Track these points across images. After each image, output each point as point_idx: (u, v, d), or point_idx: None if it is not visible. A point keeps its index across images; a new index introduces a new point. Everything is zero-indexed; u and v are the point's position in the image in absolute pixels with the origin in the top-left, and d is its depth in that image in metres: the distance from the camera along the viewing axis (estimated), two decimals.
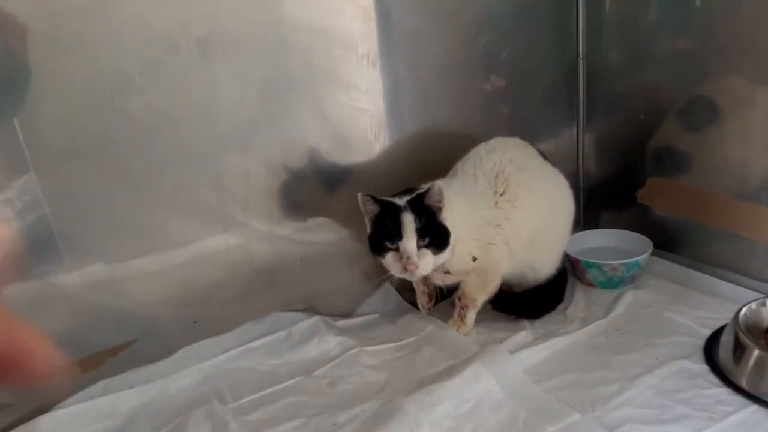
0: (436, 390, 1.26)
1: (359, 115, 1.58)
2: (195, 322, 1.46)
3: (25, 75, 1.17)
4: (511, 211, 1.48)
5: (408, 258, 1.33)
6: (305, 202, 1.60)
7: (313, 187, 1.60)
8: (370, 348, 1.49)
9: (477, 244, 1.46)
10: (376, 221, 1.38)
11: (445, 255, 1.38)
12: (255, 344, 1.49)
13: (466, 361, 1.36)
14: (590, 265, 1.68)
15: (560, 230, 1.61)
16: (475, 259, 1.47)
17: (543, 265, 1.60)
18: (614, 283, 1.68)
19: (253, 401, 1.33)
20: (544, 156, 1.60)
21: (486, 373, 1.30)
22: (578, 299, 1.67)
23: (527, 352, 1.41)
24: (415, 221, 1.33)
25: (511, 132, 1.61)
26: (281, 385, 1.37)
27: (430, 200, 1.35)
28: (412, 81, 1.64)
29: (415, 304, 1.65)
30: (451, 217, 1.40)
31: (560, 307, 1.64)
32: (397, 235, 1.33)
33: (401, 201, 1.37)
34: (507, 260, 1.50)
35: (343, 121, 1.57)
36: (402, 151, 1.67)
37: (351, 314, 1.66)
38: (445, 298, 1.60)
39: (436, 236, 1.35)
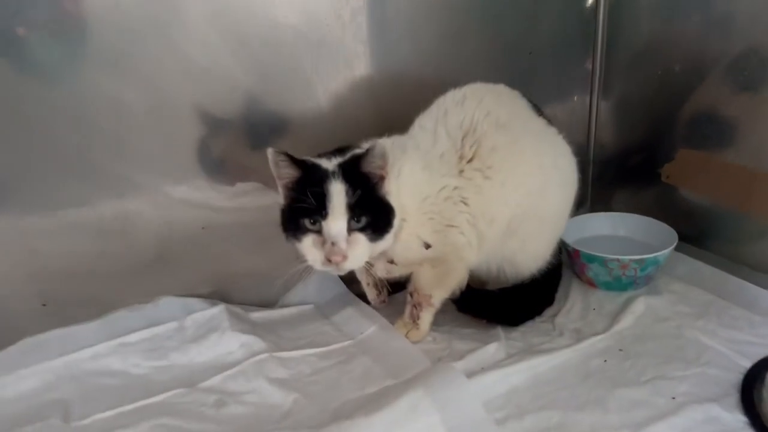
0: (354, 427, 0.87)
1: (298, 43, 1.18)
2: (45, 305, 1.09)
3: None
4: (482, 183, 1.10)
5: (333, 245, 0.95)
6: (226, 160, 1.23)
7: (238, 142, 1.23)
8: (284, 354, 1.11)
9: (432, 226, 1.08)
10: (293, 190, 1.00)
11: (386, 241, 1.01)
12: (132, 338, 1.11)
13: (408, 384, 0.98)
14: (592, 258, 1.28)
15: (554, 213, 1.21)
16: (428, 246, 1.09)
17: (527, 258, 1.21)
18: (622, 284, 1.28)
19: (106, 421, 0.96)
20: (540, 111, 1.19)
21: (428, 405, 0.91)
22: (573, 303, 1.27)
23: (494, 376, 1.03)
24: (347, 194, 0.96)
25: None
26: (151, 400, 1.01)
27: (369, 166, 0.98)
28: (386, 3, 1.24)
29: (364, 296, 1.27)
30: (397, 188, 1.03)
31: (548, 311, 1.25)
32: (320, 211, 0.96)
33: (330, 164, 1.00)
34: (474, 249, 1.12)
35: (275, 50, 1.16)
36: (359, 98, 1.29)
37: (274, 304, 1.28)
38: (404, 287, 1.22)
39: (374, 215, 0.98)
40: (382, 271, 1.12)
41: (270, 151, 0.97)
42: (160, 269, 1.19)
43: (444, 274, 1.14)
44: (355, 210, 0.97)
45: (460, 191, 1.09)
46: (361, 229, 0.98)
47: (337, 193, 0.96)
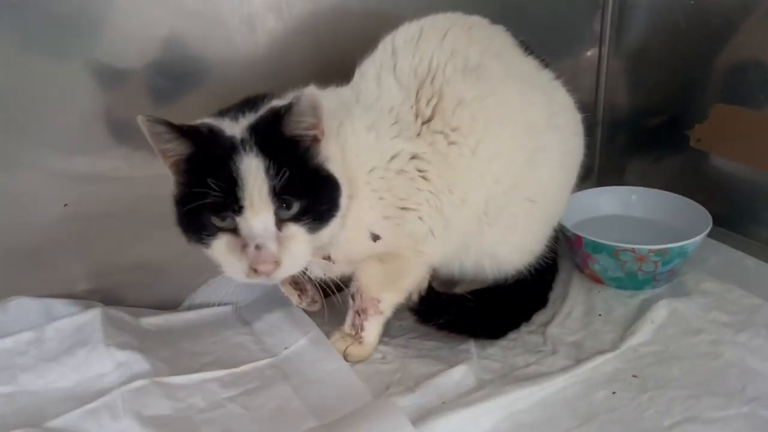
0: None
1: None
2: None
3: None
4: (447, 150, 0.80)
5: (258, 248, 0.67)
6: (123, 121, 0.90)
7: (136, 96, 0.91)
8: (174, 379, 0.81)
9: (381, 208, 0.78)
10: (187, 173, 0.70)
11: (332, 228, 0.73)
12: None
13: (330, 430, 0.68)
14: (599, 247, 0.97)
15: (549, 190, 0.91)
16: (376, 237, 0.79)
17: (511, 252, 0.92)
18: (638, 281, 0.98)
19: None
20: (529, 51, 0.88)
21: None
22: (572, 306, 0.97)
23: (457, 417, 0.73)
24: (268, 171, 0.67)
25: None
26: None
27: (295, 125, 0.69)
28: None
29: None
30: (340, 153, 0.75)
31: (538, 317, 0.95)
32: (230, 202, 0.67)
33: (237, 127, 0.70)
34: (438, 240, 0.82)
35: None
36: (298, 40, 0.97)
37: (178, 305, 0.98)
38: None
39: (312, 195, 0.70)
40: (317, 270, 0.82)
41: (141, 120, 0.66)
42: (22, 262, 0.88)
43: (396, 273, 0.84)
44: (283, 193, 0.67)
45: (417, 162, 0.79)
46: (296, 218, 0.69)
47: (254, 172, 0.67)
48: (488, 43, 0.84)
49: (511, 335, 0.91)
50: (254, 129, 0.69)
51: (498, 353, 0.87)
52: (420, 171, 0.79)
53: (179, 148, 0.69)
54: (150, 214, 0.84)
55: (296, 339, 0.88)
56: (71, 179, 0.88)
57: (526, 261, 0.93)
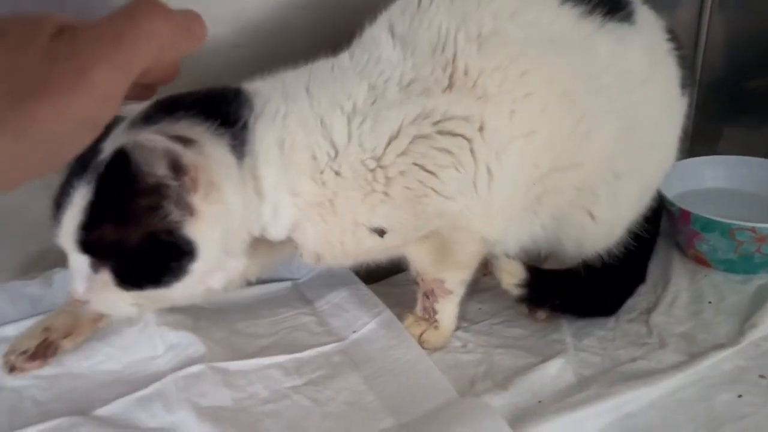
0: None
1: None
2: None
3: None
4: (480, 107, 0.66)
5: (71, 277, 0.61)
6: None
7: None
8: (232, 364, 0.72)
9: (380, 188, 0.66)
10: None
11: (179, 289, 0.61)
12: (7, 330, 0.75)
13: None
14: (710, 225, 0.85)
15: (643, 158, 0.77)
16: (382, 232, 0.68)
17: (594, 233, 0.78)
18: (753, 265, 0.86)
19: None
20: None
21: None
22: (677, 292, 0.85)
23: (558, 420, 0.63)
24: (84, 215, 0.57)
25: None
26: None
27: (143, 164, 0.55)
28: None
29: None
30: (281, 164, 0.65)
31: (639, 304, 0.83)
32: (55, 221, 0.59)
33: (116, 139, 0.59)
34: (481, 219, 0.71)
35: None
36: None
37: None
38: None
39: (131, 262, 0.59)
40: (310, 258, 0.72)
41: None
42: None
43: (444, 250, 0.73)
44: (86, 249, 0.58)
45: (442, 123, 0.66)
46: (111, 270, 0.59)
47: (73, 209, 0.57)
48: (502, 3, 0.69)
49: (610, 324, 0.79)
50: (114, 157, 0.56)
51: (596, 345, 0.76)
52: (445, 131, 0.66)
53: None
54: None
55: (365, 322, 0.78)
56: None
57: (614, 241, 0.80)
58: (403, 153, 0.65)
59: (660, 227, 0.89)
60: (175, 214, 0.57)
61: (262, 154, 0.63)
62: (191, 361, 0.72)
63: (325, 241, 0.69)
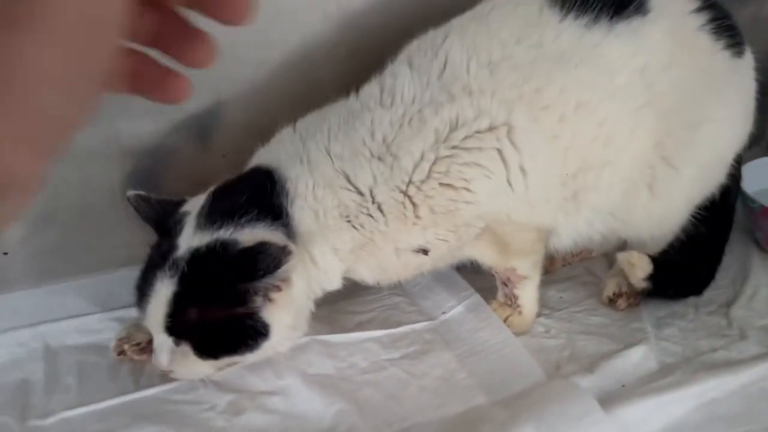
0: None
1: None
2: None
3: None
4: (506, 113, 0.71)
5: (154, 352, 0.69)
6: None
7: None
8: (334, 337, 0.79)
9: (411, 215, 0.72)
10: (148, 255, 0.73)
11: (254, 356, 0.70)
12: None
13: (510, 411, 0.64)
14: None
15: (692, 139, 0.78)
16: (425, 251, 0.74)
17: (657, 218, 0.81)
18: None
19: (73, 422, 0.68)
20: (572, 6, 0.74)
21: None
22: (756, 286, 0.88)
23: (643, 404, 0.66)
24: (172, 304, 0.66)
25: None
26: (141, 394, 0.72)
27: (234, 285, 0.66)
28: None
29: None
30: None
31: (718, 298, 0.85)
32: (140, 307, 0.70)
33: (189, 239, 0.69)
34: (524, 213, 0.75)
35: None
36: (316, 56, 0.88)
37: None
38: None
39: (214, 341, 0.68)
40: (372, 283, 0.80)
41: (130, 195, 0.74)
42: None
43: (499, 243, 0.77)
44: (174, 333, 0.67)
45: (465, 140, 0.70)
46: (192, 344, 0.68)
47: (159, 298, 0.67)
48: (509, 31, 0.73)
49: (690, 315, 0.82)
50: (191, 258, 0.66)
51: (677, 335, 0.79)
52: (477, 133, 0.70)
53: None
54: None
55: (453, 304, 0.84)
56: None
57: (682, 221, 0.83)
58: (427, 178, 0.70)
59: (735, 211, 0.90)
60: (257, 303, 0.66)
61: (305, 232, 0.71)
62: None
63: (379, 272, 0.76)
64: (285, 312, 0.68)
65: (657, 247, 0.84)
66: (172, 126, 0.84)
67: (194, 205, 0.72)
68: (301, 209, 0.71)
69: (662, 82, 0.74)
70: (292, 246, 0.66)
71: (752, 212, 0.92)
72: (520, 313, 0.82)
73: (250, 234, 0.67)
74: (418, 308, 0.85)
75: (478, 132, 0.70)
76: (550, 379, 0.70)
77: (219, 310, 0.66)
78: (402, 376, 0.74)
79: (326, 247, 0.72)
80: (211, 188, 0.73)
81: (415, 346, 0.78)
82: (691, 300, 0.85)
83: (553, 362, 0.76)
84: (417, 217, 0.71)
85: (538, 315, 0.84)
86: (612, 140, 0.74)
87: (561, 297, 0.88)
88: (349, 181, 0.71)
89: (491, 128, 0.70)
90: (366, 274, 0.76)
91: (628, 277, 0.80)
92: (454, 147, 0.70)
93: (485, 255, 0.80)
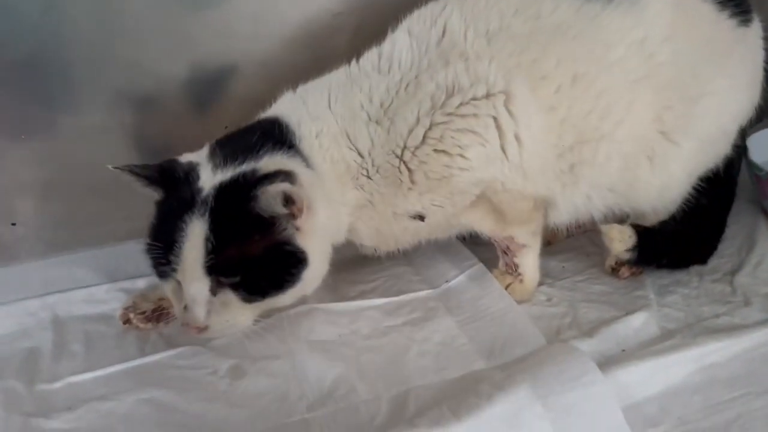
0: None
1: None
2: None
3: None
4: (505, 81, 0.71)
5: (188, 308, 0.67)
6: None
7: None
8: (335, 305, 0.80)
9: (407, 180, 0.73)
10: (154, 219, 0.70)
11: (289, 295, 0.70)
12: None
13: (508, 374, 0.64)
14: None
15: (692, 111, 0.77)
16: (421, 217, 0.75)
17: (657, 190, 0.81)
18: None
19: (78, 387, 0.70)
20: None
21: (538, 414, 0.58)
22: (762, 254, 0.87)
23: (642, 367, 0.66)
24: (208, 243, 0.65)
25: None
26: (148, 359, 0.74)
27: (265, 206, 0.65)
28: None
29: None
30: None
31: (723, 266, 0.85)
32: (167, 263, 0.66)
33: (211, 178, 0.68)
34: (518, 181, 0.75)
35: None
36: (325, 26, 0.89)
37: None
38: None
39: (257, 274, 0.67)
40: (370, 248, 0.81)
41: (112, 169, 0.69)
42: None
43: (495, 211, 0.78)
44: (215, 272, 0.65)
45: (461, 107, 0.70)
46: (234, 287, 0.66)
47: (194, 240, 0.65)
48: (507, 2, 0.73)
49: (693, 283, 0.82)
50: (219, 193, 0.66)
51: (680, 302, 0.79)
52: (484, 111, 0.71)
53: (152, 193, 0.70)
54: None
55: (456, 273, 0.84)
56: None
57: (684, 192, 0.82)
58: (421, 144, 0.70)
59: (737, 182, 0.89)
60: (288, 230, 0.67)
61: (318, 168, 0.72)
62: (300, 302, 0.79)
63: (377, 236, 0.77)
64: (314, 240, 0.69)
65: (658, 218, 0.84)
66: (175, 97, 0.86)
67: (196, 157, 0.72)
68: (311, 148, 0.72)
69: (662, 54, 0.74)
70: (309, 173, 0.68)
71: (760, 181, 0.91)
72: (521, 281, 0.82)
73: (269, 162, 0.68)
74: (421, 277, 0.86)
75: (474, 99, 0.70)
76: (549, 344, 0.70)
77: (254, 241, 0.66)
78: (403, 341, 0.74)
79: (336, 194, 0.73)
80: (209, 142, 0.73)
81: (416, 313, 0.79)
82: (696, 268, 0.85)
83: (554, 328, 0.76)
84: (412, 182, 0.72)
85: (540, 284, 0.84)
86: (609, 113, 0.74)
87: (564, 267, 0.88)
88: (350, 140, 0.72)
89: (488, 95, 0.70)
90: (365, 237, 0.77)
91: (610, 249, 0.80)
92: (449, 114, 0.70)
93: (483, 224, 0.80)
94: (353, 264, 0.87)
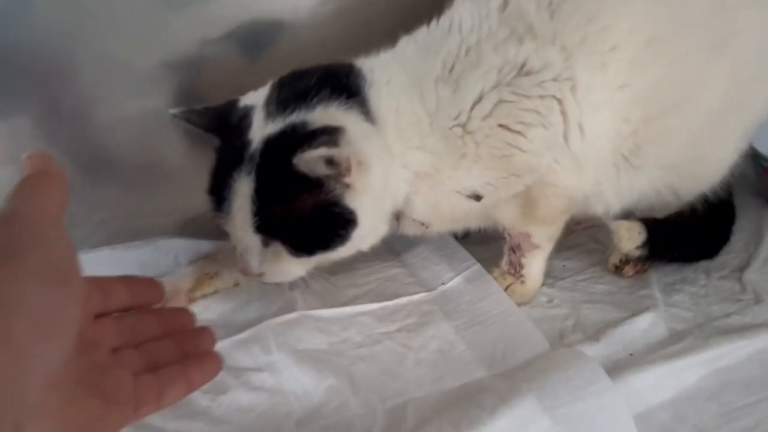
0: None
1: None
2: None
3: None
4: (570, 65, 0.66)
5: (242, 257, 0.67)
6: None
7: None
8: (325, 312, 0.75)
9: (472, 152, 0.68)
10: (213, 162, 0.68)
11: (339, 253, 0.68)
12: None
13: (511, 382, 0.60)
14: None
15: (748, 93, 0.73)
16: (478, 197, 0.71)
17: (705, 173, 0.78)
18: None
19: None
20: None
21: (546, 426, 0.53)
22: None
23: (652, 372, 0.62)
24: (255, 201, 0.63)
25: None
26: None
27: (303, 167, 0.60)
28: None
29: None
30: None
31: (731, 262, 0.81)
32: (221, 207, 0.65)
33: (261, 129, 0.64)
34: (570, 174, 0.71)
35: None
36: None
37: None
38: None
39: (303, 234, 0.65)
40: (412, 229, 0.77)
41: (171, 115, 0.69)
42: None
43: (530, 204, 0.73)
44: (261, 231, 0.64)
45: (528, 88, 0.66)
46: (284, 242, 0.64)
47: (242, 197, 0.63)
48: None
49: (701, 280, 0.78)
50: (266, 148, 0.62)
51: (687, 301, 0.75)
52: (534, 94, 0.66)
53: (212, 139, 0.67)
54: None
55: (453, 275, 0.80)
56: None
57: (720, 179, 0.78)
58: (487, 116, 0.66)
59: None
60: (337, 189, 0.62)
61: (383, 121, 0.67)
62: (284, 309, 0.75)
63: (432, 210, 0.72)
64: (367, 198, 0.65)
65: (670, 210, 0.80)
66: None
67: (256, 97, 0.68)
68: (379, 96, 0.67)
69: (739, 20, 0.68)
70: (366, 128, 0.64)
71: (765, 172, 0.87)
72: (522, 282, 0.78)
73: (321, 114, 0.64)
74: (416, 279, 0.82)
75: (542, 81, 0.66)
76: (554, 348, 0.66)
77: (301, 201, 0.62)
78: (398, 349, 0.70)
79: (398, 151, 0.68)
80: (273, 80, 0.69)
81: (412, 319, 0.74)
82: (703, 265, 0.81)
83: (557, 331, 0.72)
84: (476, 156, 0.68)
85: (542, 284, 0.80)
86: (681, 82, 0.69)
87: (564, 265, 0.84)
88: (420, 96, 0.68)
89: (556, 80, 0.66)
90: (419, 209, 0.73)
91: (619, 248, 0.75)
92: (517, 93, 0.66)
93: (506, 213, 0.76)
94: (345, 268, 0.82)
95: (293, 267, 0.67)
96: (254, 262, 0.66)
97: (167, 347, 0.47)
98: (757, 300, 0.73)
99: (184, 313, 0.52)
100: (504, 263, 0.80)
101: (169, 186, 0.87)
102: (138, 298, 0.47)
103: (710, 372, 0.63)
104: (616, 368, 0.63)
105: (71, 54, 0.76)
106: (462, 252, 0.82)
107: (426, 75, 0.68)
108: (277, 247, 0.65)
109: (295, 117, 0.63)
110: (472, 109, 0.66)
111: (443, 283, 0.79)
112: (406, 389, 0.64)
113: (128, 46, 0.78)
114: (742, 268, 0.79)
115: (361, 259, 0.85)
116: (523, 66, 0.66)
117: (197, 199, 0.68)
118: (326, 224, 0.64)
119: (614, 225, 0.75)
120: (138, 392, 0.40)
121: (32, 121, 0.78)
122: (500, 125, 0.67)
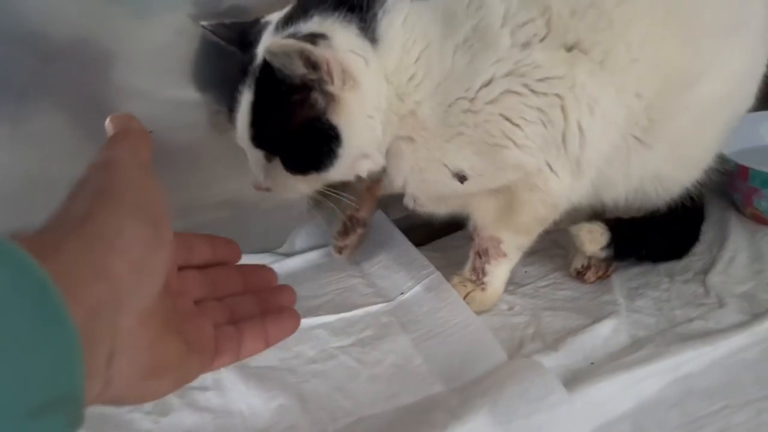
0: None
1: None
2: None
3: None
4: (571, 62, 0.63)
5: (251, 169, 0.68)
6: None
7: None
8: None
9: (463, 144, 0.66)
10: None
11: (331, 174, 0.66)
12: None
13: (466, 397, 0.58)
14: None
15: (739, 84, 0.73)
16: (462, 178, 0.68)
17: (697, 163, 0.77)
18: None
19: None
20: None
21: None
22: (734, 251, 0.82)
23: (612, 382, 0.60)
24: (251, 113, 0.64)
25: None
26: None
27: (285, 69, 0.60)
28: None
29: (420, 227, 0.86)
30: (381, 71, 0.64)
31: (694, 265, 0.80)
32: (232, 119, 0.66)
33: (267, 41, 0.64)
34: (565, 179, 0.68)
35: None
36: None
37: (278, 246, 0.88)
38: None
39: (292, 149, 0.65)
40: (409, 199, 0.74)
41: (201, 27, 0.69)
42: None
43: (509, 208, 0.71)
44: (257, 145, 0.65)
45: (537, 84, 0.63)
46: (280, 159, 0.65)
47: (243, 109, 0.64)
48: None
49: (664, 284, 0.77)
50: (264, 61, 0.61)
51: (650, 306, 0.73)
52: (523, 101, 0.64)
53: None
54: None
55: (413, 282, 0.77)
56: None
57: (697, 175, 0.76)
58: (492, 102, 0.64)
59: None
60: (321, 103, 0.61)
61: (386, 48, 0.64)
62: None
63: (414, 175, 0.70)
64: (353, 117, 0.63)
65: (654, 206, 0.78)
66: None
67: (276, 16, 0.66)
68: (390, 23, 0.64)
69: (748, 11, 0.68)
70: (362, 44, 0.62)
71: (728, 172, 0.86)
72: (483, 289, 0.76)
73: (315, 25, 0.62)
74: (375, 289, 0.79)
75: (551, 77, 0.63)
76: (512, 359, 0.64)
77: (289, 114, 0.62)
78: (352, 364, 0.67)
79: (393, 91, 0.65)
80: None
81: (368, 331, 0.72)
82: (667, 268, 0.79)
83: (517, 340, 0.69)
84: (470, 136, 0.65)
85: (503, 292, 0.77)
86: (697, 57, 0.66)
87: (526, 271, 0.81)
88: (440, 57, 0.64)
89: (561, 77, 0.63)
90: (401, 172, 0.70)
91: (583, 251, 0.74)
92: (526, 86, 0.63)
93: (486, 213, 0.73)
94: (301, 279, 0.80)
95: (297, 184, 0.67)
96: (259, 176, 0.66)
97: (248, 302, 0.47)
98: (720, 304, 0.72)
99: (266, 270, 0.51)
100: (467, 269, 0.77)
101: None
102: (219, 255, 0.47)
103: (672, 380, 0.62)
104: (575, 378, 0.61)
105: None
106: (421, 259, 0.80)
107: (447, 39, 0.64)
108: (277, 164, 0.65)
109: (293, 29, 0.62)
110: (479, 89, 0.64)
111: (402, 293, 0.76)
112: (359, 407, 0.61)
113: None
114: (705, 271, 0.78)
115: (319, 269, 0.83)
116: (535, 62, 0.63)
117: None
118: (311, 141, 0.63)
119: (574, 229, 0.74)
120: (218, 342, 0.41)
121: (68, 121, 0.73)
122: (501, 114, 0.64)
